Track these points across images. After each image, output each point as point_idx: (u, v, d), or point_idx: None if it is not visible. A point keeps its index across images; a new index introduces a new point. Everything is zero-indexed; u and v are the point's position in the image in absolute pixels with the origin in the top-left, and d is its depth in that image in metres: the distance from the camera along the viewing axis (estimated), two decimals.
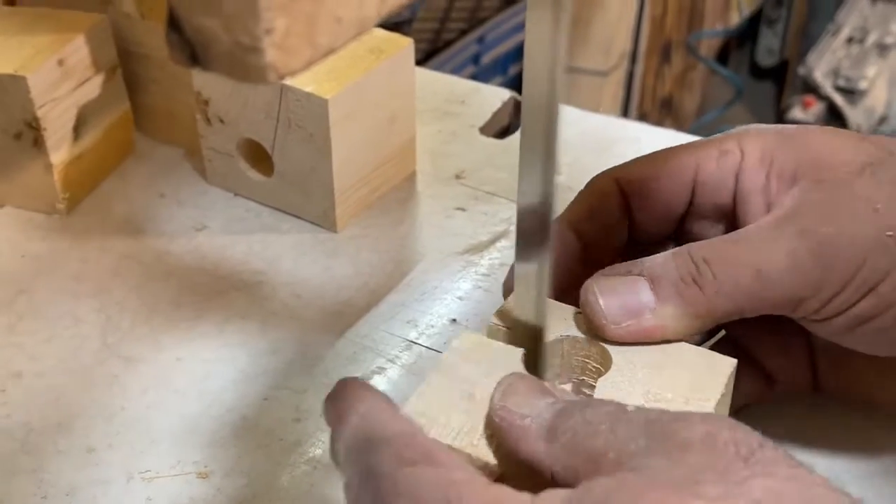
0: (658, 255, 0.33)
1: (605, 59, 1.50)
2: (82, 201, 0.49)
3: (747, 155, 0.35)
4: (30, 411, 0.39)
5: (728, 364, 0.32)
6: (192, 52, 0.19)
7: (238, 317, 0.43)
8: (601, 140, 0.53)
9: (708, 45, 1.82)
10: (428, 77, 0.58)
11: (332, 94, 0.44)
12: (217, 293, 0.44)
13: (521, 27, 1.49)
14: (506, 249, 0.46)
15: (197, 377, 0.40)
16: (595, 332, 0.33)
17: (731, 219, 0.36)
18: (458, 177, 0.51)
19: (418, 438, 0.27)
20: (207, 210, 0.49)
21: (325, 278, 0.45)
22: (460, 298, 0.44)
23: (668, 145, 0.53)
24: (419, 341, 0.42)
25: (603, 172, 0.37)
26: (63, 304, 0.44)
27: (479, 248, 0.47)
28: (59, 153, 0.47)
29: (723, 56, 2.09)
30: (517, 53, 1.47)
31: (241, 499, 0.36)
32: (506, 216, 0.48)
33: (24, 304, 0.44)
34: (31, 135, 0.45)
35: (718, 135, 0.37)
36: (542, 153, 0.30)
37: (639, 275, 0.33)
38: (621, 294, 0.32)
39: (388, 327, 0.43)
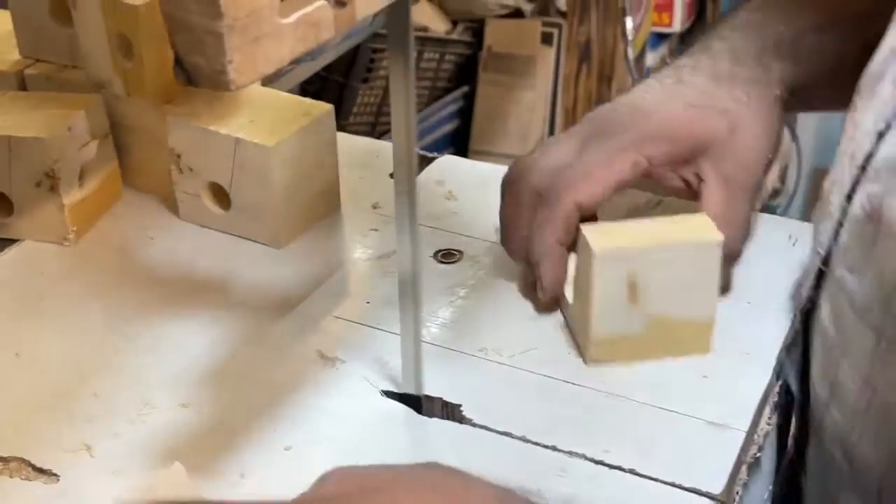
0: None
1: (522, 144, 1.68)
2: (84, 234, 0.64)
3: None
4: (57, 369, 0.53)
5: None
6: (188, 76, 0.34)
7: (209, 306, 0.58)
8: (480, 178, 0.69)
9: None
10: (351, 139, 0.74)
11: (273, 143, 0.60)
12: (192, 292, 0.59)
13: (447, 119, 1.68)
14: None
15: (180, 345, 0.55)
16: None
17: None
18: (373, 207, 0.67)
19: None
20: (181, 238, 0.64)
21: (273, 279, 0.60)
22: (372, 288, 0.59)
23: None
24: (342, 316, 0.57)
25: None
26: (75, 304, 0.58)
27: (388, 255, 0.62)
28: (70, 196, 0.62)
29: None
30: (445, 141, 1.65)
31: (217, 419, 0.51)
32: None
33: (46, 305, 0.58)
34: (49, 182, 0.61)
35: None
36: (408, 185, 0.47)
37: None
38: None
39: (319, 307, 0.58)
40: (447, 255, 0.62)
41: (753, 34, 0.59)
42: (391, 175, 0.70)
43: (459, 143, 1.71)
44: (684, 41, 2.38)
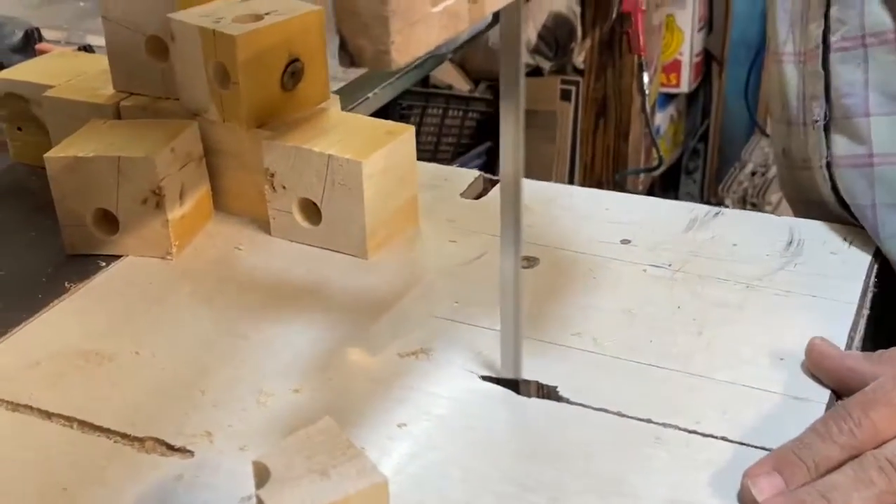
0: None
1: None
2: (183, 250, 0.68)
3: None
4: (176, 365, 0.57)
5: None
6: (352, 59, 0.39)
7: (308, 309, 0.62)
8: (549, 196, 0.74)
9: (634, 187, 2.08)
10: (420, 165, 0.79)
11: (364, 158, 0.65)
12: (290, 298, 0.63)
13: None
14: (483, 264, 0.66)
15: (285, 343, 0.59)
16: None
17: None
18: (449, 221, 0.71)
19: None
20: (271, 252, 0.68)
21: (363, 286, 0.65)
22: (459, 290, 0.64)
23: (593, 198, 0.74)
24: (434, 314, 0.61)
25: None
26: (185, 309, 0.62)
27: (469, 262, 0.67)
28: (172, 213, 0.66)
29: None
30: None
31: (330, 402, 0.54)
32: (483, 244, 0.68)
33: (157, 310, 0.62)
34: (155, 199, 0.65)
35: None
36: (515, 204, 0.52)
37: None
38: None
39: (409, 308, 0.62)
40: (526, 260, 0.66)
41: None
42: (462, 194, 0.75)
43: None
44: (691, 101, 2.46)
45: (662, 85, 2.25)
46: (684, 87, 2.31)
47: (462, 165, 1.72)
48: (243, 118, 0.68)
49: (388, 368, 0.57)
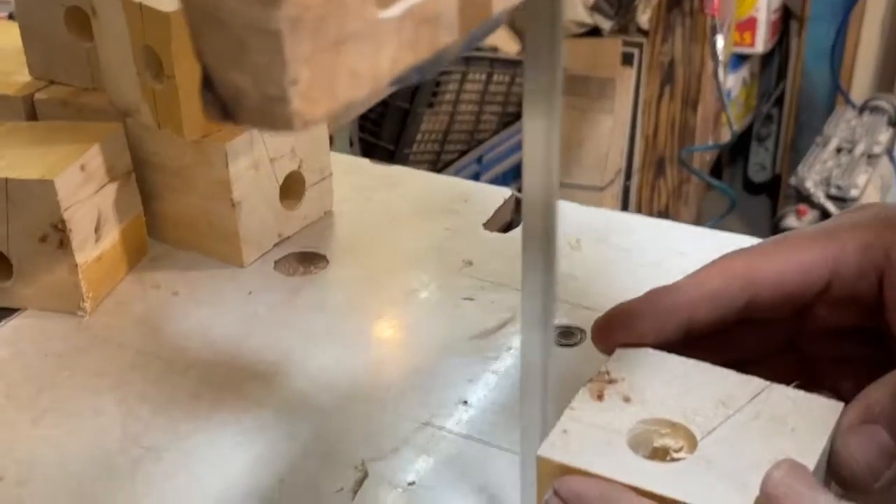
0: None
1: (600, 175, 1.54)
2: (102, 302, 0.50)
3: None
4: (55, 500, 0.40)
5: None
6: (224, 108, 0.21)
7: (253, 404, 0.44)
8: (599, 230, 0.55)
9: (701, 161, 1.87)
10: (432, 180, 0.61)
11: None
12: (233, 382, 0.46)
13: (517, 147, 1.54)
14: (511, 334, 0.48)
15: (216, 463, 0.41)
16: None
17: (867, 302, 0.35)
18: (466, 266, 0.52)
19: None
20: (221, 307, 0.50)
21: (334, 368, 0.46)
22: (470, 381, 0.45)
23: (661, 236, 0.55)
24: (433, 423, 0.43)
25: (730, 256, 0.36)
26: (85, 398, 0.45)
27: (485, 335, 0.48)
28: (83, 254, 0.48)
29: (716, 172, 2.14)
30: (515, 172, 1.51)
31: None
32: (512, 303, 0.49)
33: (47, 400, 0.45)
34: (57, 237, 0.48)
35: (850, 220, 0.37)
36: (544, 245, 0.32)
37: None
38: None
39: (396, 410, 0.44)
40: (566, 335, 0.48)
41: None
42: (485, 225, 0.56)
43: None
44: (766, 62, 2.22)
45: (735, 44, 2.02)
46: (759, 46, 2.08)
47: (508, 139, 1.53)
48: (182, 123, 0.50)
49: None
